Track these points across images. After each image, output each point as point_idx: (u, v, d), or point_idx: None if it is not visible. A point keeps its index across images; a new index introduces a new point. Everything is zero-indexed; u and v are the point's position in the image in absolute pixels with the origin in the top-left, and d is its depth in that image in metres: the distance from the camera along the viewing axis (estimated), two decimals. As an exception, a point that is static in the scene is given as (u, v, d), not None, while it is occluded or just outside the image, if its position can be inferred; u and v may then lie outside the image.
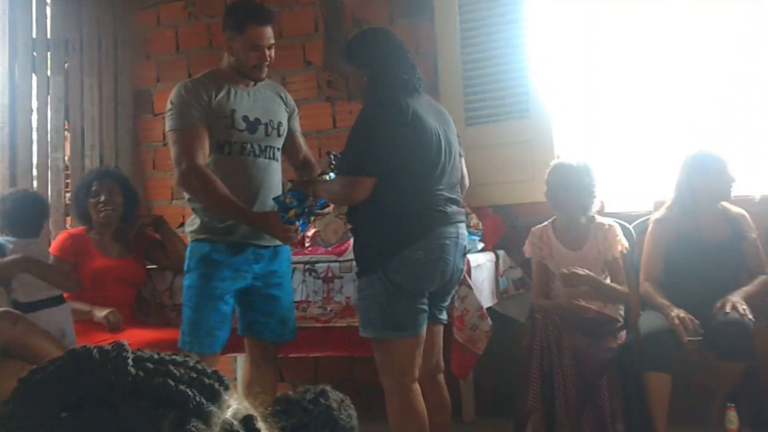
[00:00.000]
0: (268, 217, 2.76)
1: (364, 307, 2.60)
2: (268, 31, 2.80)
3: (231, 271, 2.80)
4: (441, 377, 2.82)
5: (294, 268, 3.25)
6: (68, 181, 4.34)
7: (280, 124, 2.94)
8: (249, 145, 2.83)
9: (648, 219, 3.44)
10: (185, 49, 4.52)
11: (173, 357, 0.67)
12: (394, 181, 2.50)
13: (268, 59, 2.82)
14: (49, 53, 4.37)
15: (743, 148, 3.66)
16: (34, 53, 4.35)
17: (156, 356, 0.66)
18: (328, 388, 0.79)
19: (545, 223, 3.47)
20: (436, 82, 3.90)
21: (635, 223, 3.47)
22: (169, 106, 2.82)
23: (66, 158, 4.38)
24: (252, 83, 2.89)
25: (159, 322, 3.49)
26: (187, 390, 0.62)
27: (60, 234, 3.39)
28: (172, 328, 3.20)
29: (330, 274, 3.22)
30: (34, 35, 4.36)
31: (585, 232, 3.37)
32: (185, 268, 2.87)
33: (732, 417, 2.85)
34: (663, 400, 2.97)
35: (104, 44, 4.46)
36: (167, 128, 2.84)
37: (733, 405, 2.89)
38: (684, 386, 3.18)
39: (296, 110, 3.09)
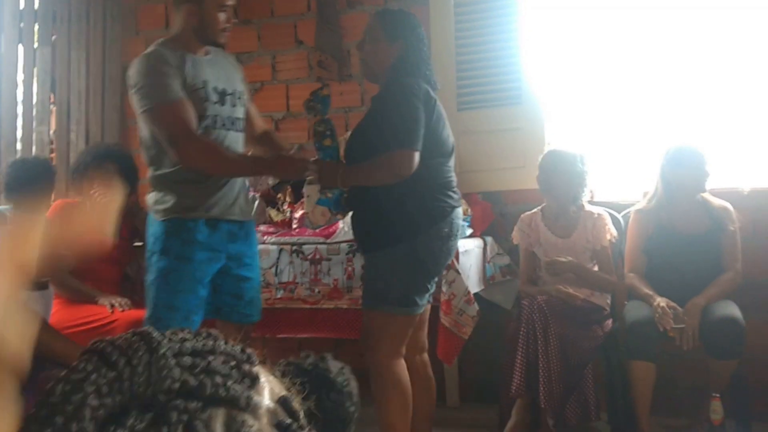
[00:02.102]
0: (277, 160, 2.70)
1: (377, 281, 2.60)
2: None
3: (209, 252, 2.63)
4: (426, 356, 2.86)
5: (281, 249, 3.24)
6: (53, 155, 4.28)
7: (242, 92, 2.77)
8: (220, 118, 2.65)
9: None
10: (175, 25, 4.45)
11: (203, 342, 0.60)
12: (428, 159, 2.54)
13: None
14: (36, 25, 4.30)
15: (734, 140, 3.67)
16: (21, 24, 4.28)
17: (188, 344, 0.60)
18: (329, 356, 0.79)
19: (535, 209, 3.47)
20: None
21: (624, 212, 3.47)
22: (139, 81, 2.53)
23: (51, 132, 4.32)
24: (206, 51, 2.70)
25: (144, 299, 3.45)
26: (235, 386, 0.58)
27: (57, 202, 3.36)
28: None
29: (318, 256, 3.21)
30: (21, 6, 4.28)
31: (574, 220, 3.37)
32: (155, 248, 2.62)
33: (717, 407, 2.86)
34: (646, 388, 2.98)
35: (92, 17, 4.38)
36: (143, 107, 2.52)
37: (717, 395, 2.90)
38: (668, 376, 3.20)
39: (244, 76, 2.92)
